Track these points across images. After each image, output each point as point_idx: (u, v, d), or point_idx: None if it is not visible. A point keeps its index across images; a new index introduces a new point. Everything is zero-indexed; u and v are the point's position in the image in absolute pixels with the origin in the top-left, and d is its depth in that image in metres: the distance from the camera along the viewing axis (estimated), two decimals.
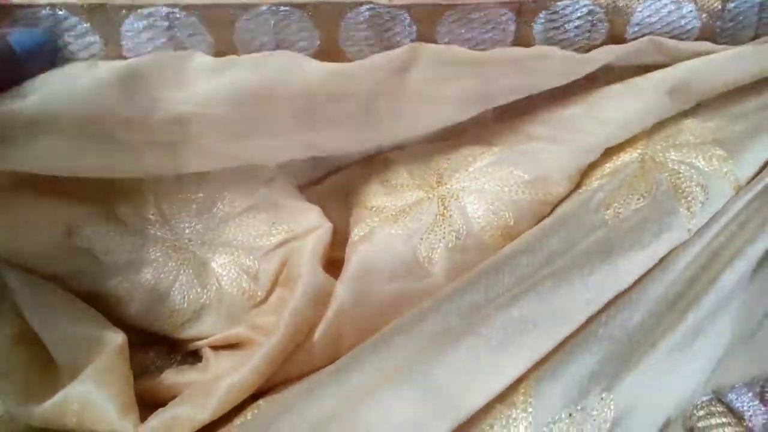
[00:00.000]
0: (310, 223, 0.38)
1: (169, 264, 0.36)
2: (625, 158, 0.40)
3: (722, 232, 0.36)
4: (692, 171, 0.37)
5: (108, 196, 0.36)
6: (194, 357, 0.36)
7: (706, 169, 0.37)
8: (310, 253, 0.36)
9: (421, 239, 0.37)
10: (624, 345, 0.32)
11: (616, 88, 0.40)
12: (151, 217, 0.37)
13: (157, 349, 0.36)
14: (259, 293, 0.37)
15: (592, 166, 0.41)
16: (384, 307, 0.36)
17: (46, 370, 0.31)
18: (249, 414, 0.31)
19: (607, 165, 0.41)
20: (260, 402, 0.32)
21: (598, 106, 0.40)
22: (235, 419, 0.31)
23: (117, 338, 0.32)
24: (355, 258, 0.37)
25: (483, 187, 0.39)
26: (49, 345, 0.31)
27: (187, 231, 0.37)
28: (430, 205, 0.38)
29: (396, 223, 0.38)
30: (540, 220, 0.38)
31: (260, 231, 0.38)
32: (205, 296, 0.36)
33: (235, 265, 0.37)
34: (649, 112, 0.40)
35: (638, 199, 0.37)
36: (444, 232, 0.38)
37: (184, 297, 0.36)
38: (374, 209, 0.39)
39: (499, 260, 0.35)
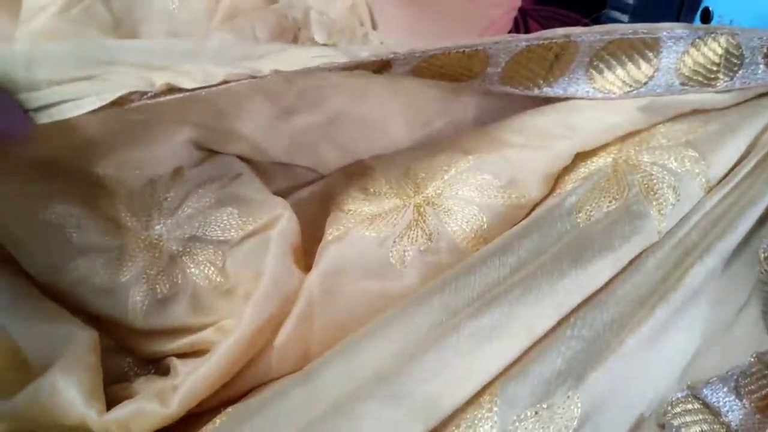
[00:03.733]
0: (273, 213, 0.38)
1: (139, 255, 0.36)
2: (599, 162, 0.41)
3: (693, 231, 0.37)
4: (664, 172, 0.38)
5: (84, 183, 0.37)
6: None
7: (679, 170, 0.38)
8: (276, 246, 0.37)
9: (394, 242, 0.38)
10: (592, 344, 0.32)
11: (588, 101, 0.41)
12: (122, 213, 0.37)
13: (136, 357, 0.36)
14: (225, 285, 0.37)
15: (567, 171, 0.42)
16: (354, 308, 0.37)
17: (18, 369, 0.32)
18: (218, 421, 0.32)
19: (582, 169, 0.41)
20: (228, 410, 0.32)
21: (571, 117, 0.41)
22: (204, 428, 0.32)
23: (88, 335, 0.33)
24: (326, 256, 0.38)
25: (457, 193, 0.40)
26: (20, 343, 0.32)
27: (157, 227, 0.38)
28: (405, 213, 0.40)
29: (371, 225, 0.39)
30: (514, 224, 0.39)
31: (228, 225, 0.38)
32: (170, 287, 0.36)
33: (203, 259, 0.37)
34: (621, 125, 0.41)
35: (610, 202, 0.38)
36: (417, 236, 0.39)
37: (149, 290, 0.36)
38: (350, 212, 0.40)
39: (471, 264, 0.36)
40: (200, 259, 0.37)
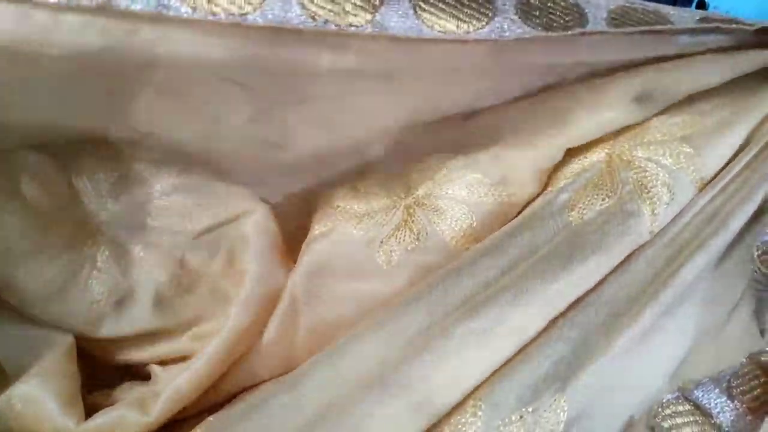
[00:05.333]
0: (241, 207, 0.36)
1: (84, 250, 0.34)
2: (592, 158, 0.40)
3: (685, 229, 0.36)
4: (659, 169, 0.37)
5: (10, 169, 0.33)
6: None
7: (673, 167, 0.37)
8: (256, 244, 0.36)
9: (382, 242, 0.38)
10: (580, 346, 0.32)
11: (581, 93, 0.39)
12: (59, 193, 0.34)
13: (115, 367, 0.36)
14: (185, 280, 0.36)
15: (560, 167, 0.41)
16: (340, 308, 0.36)
17: None
18: (199, 430, 0.31)
19: (575, 165, 0.41)
20: (210, 418, 0.32)
21: (562, 111, 0.40)
22: None
23: (65, 339, 0.32)
24: (310, 253, 0.37)
25: (447, 193, 0.39)
26: None
27: (102, 213, 0.35)
28: (395, 213, 0.39)
29: (359, 224, 0.39)
30: (505, 222, 0.39)
31: (184, 214, 0.36)
32: (126, 285, 0.34)
33: (159, 251, 0.35)
34: (616, 119, 0.39)
35: (603, 200, 0.37)
36: (404, 236, 0.38)
37: (103, 286, 0.34)
38: (339, 209, 0.40)
39: (460, 265, 0.36)
40: (155, 250, 0.35)
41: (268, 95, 0.33)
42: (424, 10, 0.31)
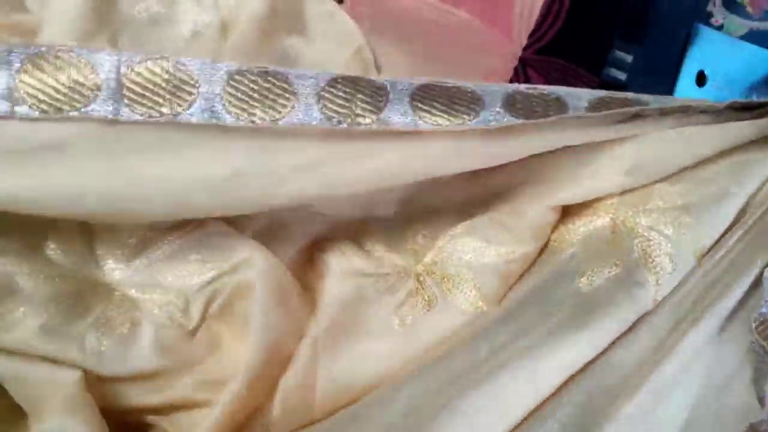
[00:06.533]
0: (241, 257, 0.38)
1: (93, 299, 0.36)
2: (597, 223, 0.42)
3: (687, 298, 0.38)
4: (661, 239, 0.39)
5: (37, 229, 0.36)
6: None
7: (674, 237, 0.39)
8: (261, 289, 0.37)
9: (396, 307, 0.40)
10: (588, 411, 0.33)
11: (570, 165, 0.41)
12: (78, 256, 0.37)
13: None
14: (189, 325, 0.37)
15: (564, 228, 0.43)
16: (358, 366, 0.38)
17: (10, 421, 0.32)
18: None
19: (581, 228, 0.42)
20: None
21: (553, 178, 0.42)
22: None
23: (74, 374, 0.33)
24: (325, 309, 0.38)
25: (452, 259, 0.41)
26: (8, 387, 0.32)
27: (116, 273, 0.37)
28: (406, 281, 0.41)
29: (372, 286, 0.40)
30: (509, 280, 0.40)
31: (190, 271, 0.38)
32: (130, 326, 0.36)
33: (165, 302, 0.37)
34: (609, 188, 0.41)
35: (611, 268, 0.39)
36: (417, 302, 0.40)
37: (109, 327, 0.36)
38: (351, 269, 0.41)
39: (474, 330, 0.37)
40: (160, 301, 0.37)
41: None
42: (421, 109, 0.36)
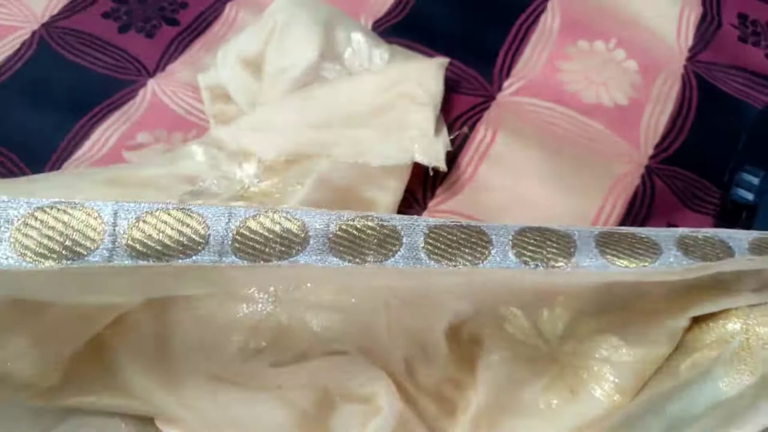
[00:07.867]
0: None
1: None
2: (729, 326, 0.44)
3: None
4: None
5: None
6: None
7: None
8: None
9: (542, 388, 0.43)
10: None
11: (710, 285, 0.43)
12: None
13: None
14: None
15: (697, 330, 0.45)
16: None
17: None
18: None
19: (713, 332, 0.44)
20: None
21: (689, 295, 0.43)
22: None
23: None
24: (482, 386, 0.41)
25: (590, 350, 0.43)
26: None
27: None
28: (551, 367, 0.43)
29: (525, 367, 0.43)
30: (645, 376, 0.42)
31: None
32: None
33: None
34: (735, 303, 0.43)
35: (749, 375, 0.40)
36: (560, 387, 0.43)
37: None
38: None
39: (620, 421, 0.39)
40: None
41: None
42: (607, 253, 0.40)
